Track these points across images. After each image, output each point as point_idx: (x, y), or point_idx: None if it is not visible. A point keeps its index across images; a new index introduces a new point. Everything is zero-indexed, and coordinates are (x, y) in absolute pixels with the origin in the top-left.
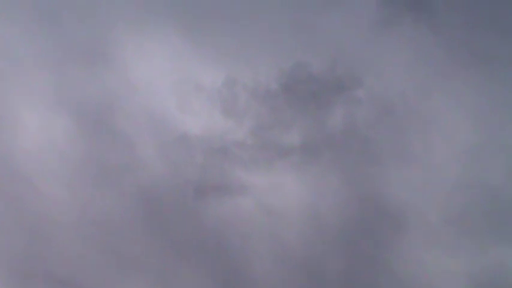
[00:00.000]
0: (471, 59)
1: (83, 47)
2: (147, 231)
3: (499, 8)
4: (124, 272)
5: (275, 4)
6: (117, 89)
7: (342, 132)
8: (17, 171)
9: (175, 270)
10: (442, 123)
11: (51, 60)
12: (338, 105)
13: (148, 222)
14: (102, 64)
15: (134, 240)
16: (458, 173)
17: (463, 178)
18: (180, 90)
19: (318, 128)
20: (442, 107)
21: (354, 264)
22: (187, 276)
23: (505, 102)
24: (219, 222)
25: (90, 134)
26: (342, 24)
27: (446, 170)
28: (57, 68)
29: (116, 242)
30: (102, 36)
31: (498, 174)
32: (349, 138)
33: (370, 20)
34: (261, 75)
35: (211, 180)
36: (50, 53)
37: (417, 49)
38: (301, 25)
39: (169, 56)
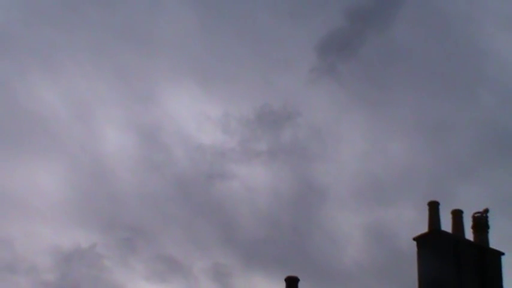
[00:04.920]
0: (366, 103)
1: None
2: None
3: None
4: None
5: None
6: (161, 121)
7: (290, 144)
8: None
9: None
10: (348, 139)
11: None
12: (287, 127)
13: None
14: (149, 103)
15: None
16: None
17: (363, 165)
18: (199, 118)
19: (276, 141)
20: (350, 130)
21: (297, 223)
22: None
23: (385, 128)
24: (220, 196)
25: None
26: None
27: (351, 162)
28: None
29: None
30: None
31: (382, 161)
32: (295, 147)
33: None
34: (243, 110)
35: (215, 170)
36: None
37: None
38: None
39: (191, 98)
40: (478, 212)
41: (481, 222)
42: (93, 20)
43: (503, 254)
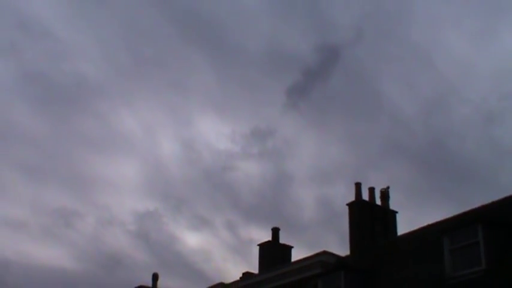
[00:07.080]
0: (316, 124)
1: None
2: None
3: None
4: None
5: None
6: (195, 136)
7: (271, 149)
8: None
9: None
10: (306, 146)
11: None
12: (270, 139)
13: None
14: (188, 125)
15: (199, 188)
16: (312, 159)
17: (315, 161)
18: (217, 134)
19: (263, 147)
20: (307, 140)
21: (276, 195)
22: None
23: (327, 139)
24: (230, 180)
25: None
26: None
27: (307, 159)
28: None
29: None
30: None
31: (326, 159)
32: (274, 151)
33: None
34: (243, 129)
35: (227, 165)
36: None
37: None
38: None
39: (212, 122)
40: (384, 188)
41: (385, 194)
42: (154, 75)
43: (397, 212)
